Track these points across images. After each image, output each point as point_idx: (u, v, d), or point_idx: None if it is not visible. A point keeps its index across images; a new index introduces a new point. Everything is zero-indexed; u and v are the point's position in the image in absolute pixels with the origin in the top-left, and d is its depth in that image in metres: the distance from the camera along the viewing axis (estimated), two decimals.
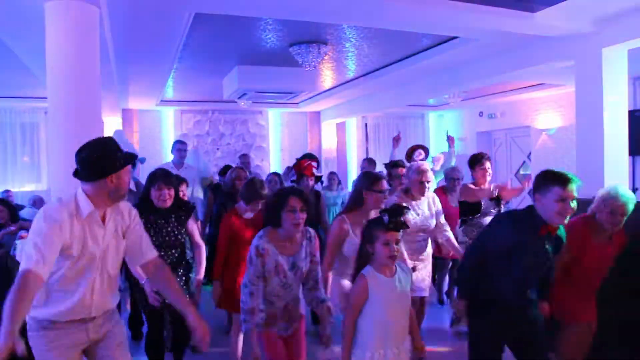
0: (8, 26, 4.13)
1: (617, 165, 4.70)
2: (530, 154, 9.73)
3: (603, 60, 4.65)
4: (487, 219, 4.27)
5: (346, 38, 5.47)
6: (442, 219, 3.90)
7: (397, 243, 2.49)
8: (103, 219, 2.29)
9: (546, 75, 6.63)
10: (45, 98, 3.29)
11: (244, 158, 7.60)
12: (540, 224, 2.52)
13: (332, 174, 6.65)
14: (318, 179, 5.11)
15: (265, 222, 2.83)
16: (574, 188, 2.46)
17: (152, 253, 2.48)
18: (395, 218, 2.49)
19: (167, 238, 3.47)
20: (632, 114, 5.90)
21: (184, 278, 3.58)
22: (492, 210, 4.45)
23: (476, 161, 4.56)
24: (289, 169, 7.08)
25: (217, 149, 10.60)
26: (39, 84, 6.72)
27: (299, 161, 4.99)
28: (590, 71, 4.76)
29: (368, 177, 3.27)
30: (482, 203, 4.49)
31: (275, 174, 5.88)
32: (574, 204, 2.46)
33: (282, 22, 4.83)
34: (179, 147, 6.28)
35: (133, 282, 3.82)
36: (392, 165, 5.37)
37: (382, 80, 7.60)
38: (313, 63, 5.66)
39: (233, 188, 4.70)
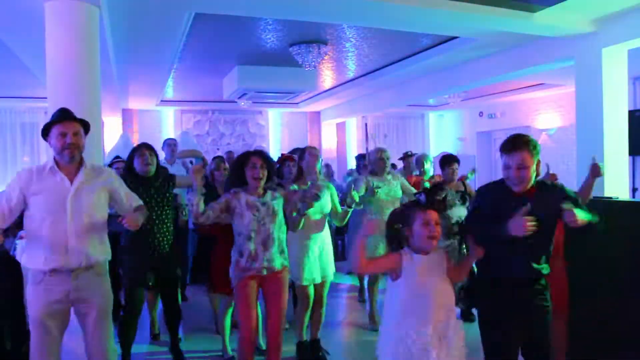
0: (8, 26, 4.13)
1: (617, 165, 4.70)
2: None
3: (603, 60, 4.65)
4: (454, 210, 4.37)
5: (346, 38, 5.47)
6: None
7: (437, 224, 2.34)
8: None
9: (546, 75, 6.63)
10: (45, 98, 3.29)
11: (229, 154, 7.59)
12: (510, 187, 2.51)
13: (325, 165, 6.72)
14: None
15: (231, 182, 3.26)
16: (520, 155, 2.42)
17: (136, 202, 2.86)
18: (433, 197, 2.38)
19: (155, 197, 3.62)
20: (632, 114, 5.90)
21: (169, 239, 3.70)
22: (457, 202, 4.64)
23: (446, 162, 4.92)
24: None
25: (217, 149, 10.59)
26: (39, 84, 6.72)
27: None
28: (590, 71, 4.76)
29: (301, 152, 3.98)
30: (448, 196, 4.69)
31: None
32: (522, 172, 2.43)
33: (282, 22, 4.83)
34: (169, 142, 6.26)
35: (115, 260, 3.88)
36: (361, 157, 5.59)
37: (382, 80, 7.60)
38: (313, 63, 5.66)
39: (212, 178, 4.62)
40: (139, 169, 3.58)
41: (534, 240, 2.41)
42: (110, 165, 5.37)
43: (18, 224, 4.95)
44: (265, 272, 3.14)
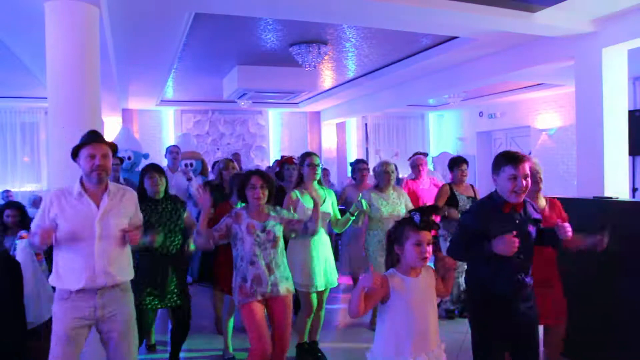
0: (8, 26, 4.14)
1: (617, 165, 4.71)
2: (530, 154, 9.72)
3: (603, 60, 4.65)
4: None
5: (346, 38, 5.47)
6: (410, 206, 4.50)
7: (429, 244, 2.34)
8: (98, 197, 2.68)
9: (546, 75, 6.63)
10: (45, 98, 3.29)
11: (235, 156, 7.64)
12: (501, 202, 2.60)
13: (323, 170, 6.69)
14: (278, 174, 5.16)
15: (238, 199, 3.38)
16: (525, 166, 2.55)
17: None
18: (427, 218, 2.37)
19: (166, 224, 3.59)
20: (632, 114, 5.90)
21: (174, 265, 3.63)
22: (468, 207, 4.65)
23: (454, 163, 4.90)
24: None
25: (217, 149, 10.60)
26: (39, 84, 6.72)
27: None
28: (590, 71, 4.76)
29: (301, 157, 3.97)
30: (460, 201, 4.75)
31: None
32: (527, 181, 2.55)
33: (282, 22, 4.83)
34: (171, 149, 6.24)
35: None
36: (357, 162, 5.57)
37: (382, 80, 7.60)
38: (313, 63, 5.66)
39: (220, 178, 4.61)
40: (149, 190, 3.60)
41: (523, 255, 2.57)
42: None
43: (18, 224, 4.96)
44: (271, 294, 3.13)
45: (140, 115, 10.20)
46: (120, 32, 4.61)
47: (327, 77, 7.69)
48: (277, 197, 4.16)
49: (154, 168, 3.71)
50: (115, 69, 6.04)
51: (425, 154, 6.39)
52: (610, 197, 3.93)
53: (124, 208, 2.75)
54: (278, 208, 3.37)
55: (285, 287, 3.19)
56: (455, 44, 5.57)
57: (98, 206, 2.65)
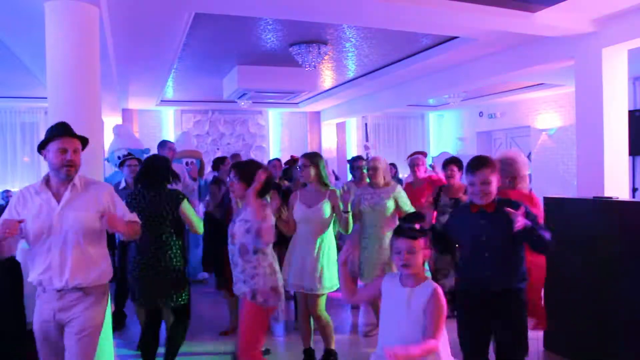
0: (8, 26, 4.13)
1: (617, 165, 4.70)
2: (530, 154, 9.72)
3: (603, 60, 4.65)
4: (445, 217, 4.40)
5: (346, 38, 5.47)
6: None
7: (408, 252, 2.28)
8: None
9: (546, 75, 6.63)
10: (45, 98, 3.29)
11: (235, 157, 7.64)
12: (469, 204, 2.85)
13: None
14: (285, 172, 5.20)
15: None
16: (484, 173, 2.73)
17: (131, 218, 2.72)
18: (405, 225, 2.37)
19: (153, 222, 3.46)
20: (632, 114, 5.90)
21: (168, 265, 3.50)
22: (448, 209, 4.57)
23: (444, 165, 4.84)
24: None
25: (217, 149, 10.60)
26: (39, 84, 6.72)
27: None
28: (590, 71, 4.76)
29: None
30: (441, 202, 4.73)
31: (277, 159, 6.49)
32: (483, 187, 2.72)
33: (282, 22, 4.83)
34: (169, 145, 6.20)
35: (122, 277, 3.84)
36: (354, 159, 5.61)
37: (382, 80, 7.60)
38: (313, 63, 5.66)
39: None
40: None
41: (488, 253, 2.72)
42: (122, 164, 5.35)
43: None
44: (237, 293, 3.12)
45: (140, 115, 10.20)
46: (120, 32, 4.61)
47: (327, 77, 7.68)
48: (284, 197, 4.20)
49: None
50: (115, 69, 6.03)
51: (424, 153, 6.37)
52: (610, 197, 3.93)
53: (89, 202, 2.53)
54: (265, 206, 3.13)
55: (242, 290, 3.03)
56: (455, 44, 5.57)
57: (59, 201, 2.50)
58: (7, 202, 7.69)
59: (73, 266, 2.47)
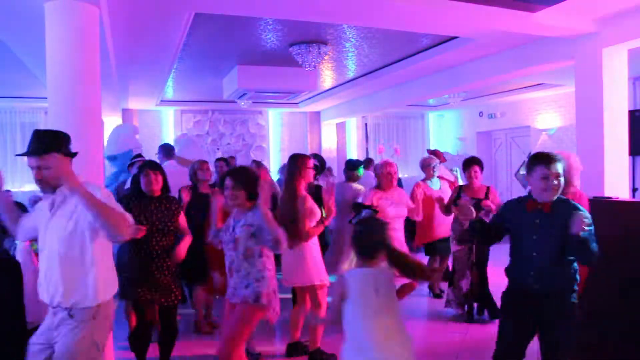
0: (8, 26, 4.13)
1: (617, 165, 4.70)
2: (530, 154, 9.72)
3: (603, 60, 4.65)
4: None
5: (346, 38, 5.47)
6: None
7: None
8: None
9: (546, 75, 6.63)
10: (45, 98, 3.29)
11: (231, 159, 7.67)
12: (526, 200, 2.72)
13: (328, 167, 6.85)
14: (317, 170, 5.19)
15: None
16: (557, 166, 2.63)
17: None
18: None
19: (157, 223, 3.49)
20: (632, 114, 5.90)
21: (169, 265, 3.56)
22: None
23: (466, 165, 4.91)
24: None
25: (217, 149, 10.60)
26: (39, 84, 6.71)
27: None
28: (590, 71, 4.76)
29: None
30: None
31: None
32: (557, 182, 2.62)
33: (282, 22, 4.83)
34: (166, 147, 6.18)
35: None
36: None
37: (382, 80, 7.60)
38: (313, 63, 5.66)
39: (195, 177, 4.53)
40: (144, 189, 3.55)
41: (538, 253, 2.66)
42: (131, 165, 5.35)
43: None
44: (231, 297, 3.08)
45: (141, 115, 10.19)
46: (120, 32, 4.61)
47: (327, 77, 7.68)
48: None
49: (150, 165, 3.64)
50: (115, 69, 6.03)
51: (438, 152, 6.31)
52: (610, 197, 3.93)
53: (75, 209, 2.35)
54: (259, 213, 3.04)
55: (243, 295, 3.01)
56: (455, 44, 5.56)
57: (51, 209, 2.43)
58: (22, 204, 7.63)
59: (64, 283, 2.33)
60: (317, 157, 5.83)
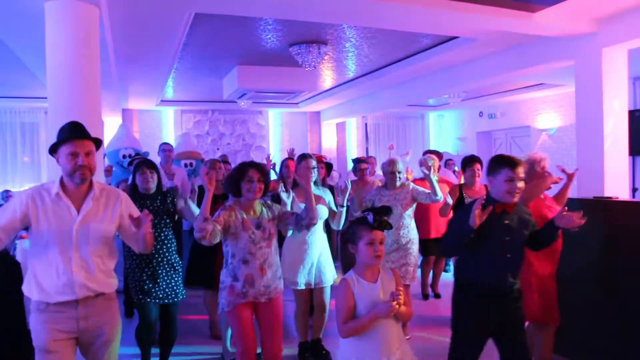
0: (8, 26, 4.13)
1: (617, 165, 4.70)
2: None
3: (603, 60, 4.65)
4: None
5: (346, 38, 5.47)
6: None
7: (381, 243, 2.42)
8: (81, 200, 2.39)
9: (546, 75, 6.63)
10: (45, 98, 3.29)
11: (223, 157, 7.63)
12: (493, 202, 2.67)
13: (328, 163, 6.85)
14: (329, 169, 5.25)
15: (227, 192, 3.15)
16: (520, 170, 2.67)
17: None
18: (379, 217, 2.43)
19: (154, 220, 3.49)
20: (632, 114, 5.90)
21: (170, 260, 3.59)
22: None
23: (466, 164, 4.91)
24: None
25: (217, 149, 10.60)
26: (39, 84, 6.72)
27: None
28: (590, 71, 4.76)
29: (297, 159, 3.87)
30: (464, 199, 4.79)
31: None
32: (521, 184, 2.67)
33: (282, 22, 4.83)
34: (164, 147, 6.16)
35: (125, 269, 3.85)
36: (357, 161, 5.69)
37: (382, 80, 7.60)
38: (313, 63, 5.66)
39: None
40: (140, 186, 3.59)
41: (511, 253, 2.69)
42: (130, 163, 5.36)
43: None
44: (263, 300, 2.97)
45: (140, 115, 10.20)
46: (120, 32, 4.61)
47: (327, 77, 7.68)
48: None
49: (145, 163, 3.66)
50: (115, 69, 6.04)
51: (436, 152, 6.30)
52: (610, 197, 3.93)
53: (109, 212, 2.43)
54: (270, 203, 3.20)
55: (278, 288, 3.07)
56: (455, 44, 5.57)
57: (79, 210, 2.35)
58: (7, 202, 7.65)
59: (97, 276, 2.39)
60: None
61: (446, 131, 12.00)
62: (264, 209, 3.08)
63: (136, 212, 2.54)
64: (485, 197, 2.67)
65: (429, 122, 12.08)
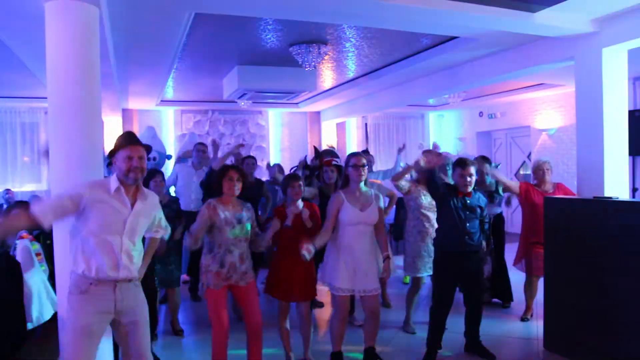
0: (8, 26, 4.13)
1: (617, 165, 4.70)
2: (530, 154, 9.73)
3: (603, 60, 4.65)
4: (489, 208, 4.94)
5: (346, 38, 5.47)
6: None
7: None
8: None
9: (546, 75, 6.63)
10: (45, 98, 3.29)
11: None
12: (458, 189, 3.91)
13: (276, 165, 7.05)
14: (340, 169, 5.26)
15: (210, 190, 3.65)
16: (471, 169, 3.87)
17: (158, 234, 3.12)
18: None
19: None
20: (632, 114, 5.90)
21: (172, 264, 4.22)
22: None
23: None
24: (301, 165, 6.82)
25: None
26: (39, 84, 6.72)
27: (319, 157, 5.24)
28: (590, 71, 4.76)
29: (347, 157, 3.90)
30: None
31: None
32: (471, 179, 3.86)
33: (282, 22, 4.83)
34: (198, 147, 6.15)
35: None
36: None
37: (382, 80, 7.60)
38: (313, 63, 5.66)
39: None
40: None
41: (468, 224, 3.86)
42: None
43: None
44: (242, 284, 3.51)
45: (140, 115, 10.20)
46: (120, 32, 4.61)
47: (327, 77, 7.69)
48: (321, 200, 4.40)
49: (158, 172, 4.03)
50: (115, 69, 6.04)
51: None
52: (610, 197, 3.93)
53: (151, 210, 2.90)
54: (249, 205, 3.65)
55: (251, 274, 3.58)
56: (455, 44, 5.57)
57: (132, 204, 2.75)
58: (7, 202, 7.67)
59: (134, 262, 2.77)
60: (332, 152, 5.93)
61: (446, 131, 12.01)
62: (244, 209, 3.57)
63: (163, 219, 3.10)
64: None
65: (429, 122, 12.08)
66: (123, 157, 2.70)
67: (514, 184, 4.98)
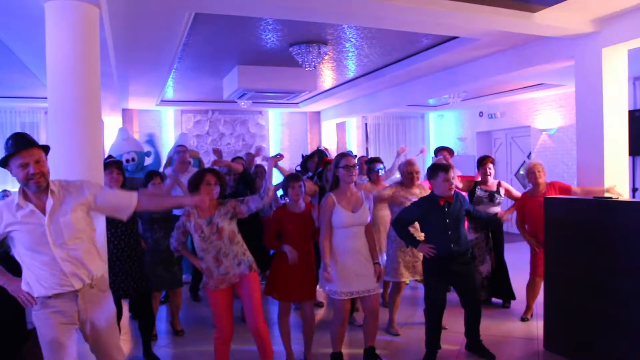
0: (8, 26, 4.13)
1: (617, 165, 4.71)
2: (530, 154, 9.72)
3: (603, 60, 4.65)
4: (480, 207, 5.10)
5: (346, 38, 5.47)
6: None
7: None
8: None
9: (546, 75, 6.63)
10: (45, 98, 3.29)
11: (249, 156, 7.61)
12: (437, 198, 3.89)
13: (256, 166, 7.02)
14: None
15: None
16: (452, 173, 3.88)
17: (133, 199, 2.74)
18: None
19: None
20: (632, 114, 5.91)
21: (138, 254, 4.05)
22: (485, 200, 5.22)
23: (479, 163, 5.43)
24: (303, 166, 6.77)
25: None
26: (39, 84, 6.72)
27: (323, 158, 5.37)
28: (590, 71, 4.76)
29: (336, 158, 3.80)
30: (476, 192, 5.31)
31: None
32: (454, 182, 3.89)
33: (282, 22, 4.83)
34: (178, 149, 6.10)
35: None
36: (370, 161, 5.66)
37: (382, 80, 7.60)
38: (313, 63, 5.66)
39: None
40: (109, 186, 3.79)
41: (452, 231, 3.85)
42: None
43: None
44: (235, 280, 3.42)
45: (140, 115, 10.20)
46: (120, 32, 4.61)
47: (327, 77, 7.69)
48: (320, 199, 4.29)
49: (116, 164, 4.11)
50: (115, 69, 6.03)
51: (448, 149, 6.26)
52: (610, 197, 3.93)
53: (72, 200, 2.54)
54: (224, 200, 3.56)
55: (239, 272, 3.42)
56: (455, 44, 5.57)
57: (44, 212, 2.46)
58: None
59: (87, 264, 2.56)
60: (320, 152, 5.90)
61: (446, 131, 12.00)
62: (220, 207, 3.47)
63: (118, 192, 2.87)
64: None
65: (429, 122, 12.08)
66: (16, 165, 2.41)
67: (512, 209, 5.06)
